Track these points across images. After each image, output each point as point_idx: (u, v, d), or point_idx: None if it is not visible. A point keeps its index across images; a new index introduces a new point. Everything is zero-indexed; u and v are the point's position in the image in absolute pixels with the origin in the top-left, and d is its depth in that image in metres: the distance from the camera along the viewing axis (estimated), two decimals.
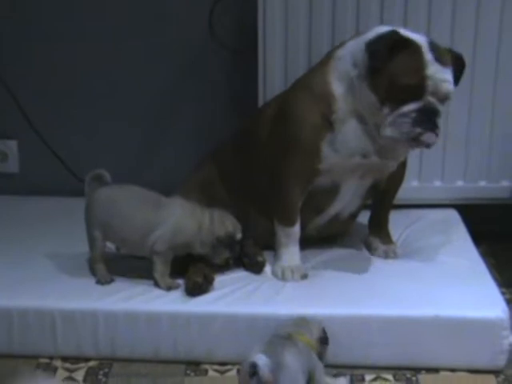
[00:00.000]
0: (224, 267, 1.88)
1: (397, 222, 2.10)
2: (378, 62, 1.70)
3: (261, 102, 2.12)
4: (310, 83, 1.82)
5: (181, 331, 1.74)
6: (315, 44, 2.09)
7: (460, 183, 2.30)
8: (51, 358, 1.76)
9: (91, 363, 1.74)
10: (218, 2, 2.22)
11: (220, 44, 2.27)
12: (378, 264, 1.98)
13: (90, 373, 1.71)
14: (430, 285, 1.81)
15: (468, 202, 2.29)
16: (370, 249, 2.03)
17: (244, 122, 2.09)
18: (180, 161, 2.30)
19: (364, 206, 2.05)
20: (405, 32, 1.75)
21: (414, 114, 1.70)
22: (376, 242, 2.02)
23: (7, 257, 1.99)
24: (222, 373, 1.72)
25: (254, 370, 1.43)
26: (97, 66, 2.35)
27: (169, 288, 1.82)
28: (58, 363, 1.74)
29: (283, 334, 1.58)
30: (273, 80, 2.12)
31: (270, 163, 1.88)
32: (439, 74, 1.71)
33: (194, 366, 1.73)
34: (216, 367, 1.73)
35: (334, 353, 1.69)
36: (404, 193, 2.09)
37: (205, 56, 2.31)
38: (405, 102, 1.70)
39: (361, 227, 2.11)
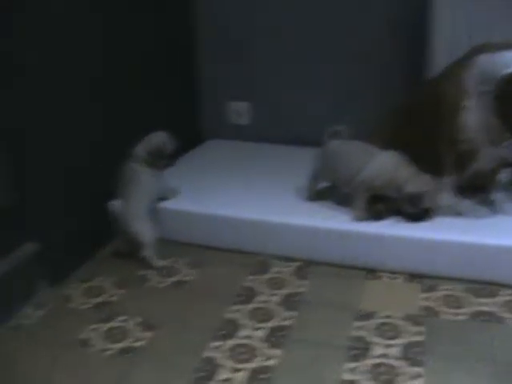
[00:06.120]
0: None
1: None
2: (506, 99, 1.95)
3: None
4: (448, 89, 2.10)
5: (363, 246, 2.09)
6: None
7: None
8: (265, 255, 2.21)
9: (298, 263, 2.18)
10: None
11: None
12: None
13: (300, 268, 2.15)
14: None
15: None
16: None
17: (412, 92, 2.44)
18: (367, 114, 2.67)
19: None
20: None
21: None
22: None
23: (241, 182, 2.52)
24: (392, 279, 2.06)
25: None
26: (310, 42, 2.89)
27: (357, 218, 2.14)
28: (269, 261, 2.19)
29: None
30: (436, 62, 2.45)
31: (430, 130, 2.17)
32: None
33: (372, 272, 2.10)
34: (388, 275, 2.08)
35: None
36: None
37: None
38: None
39: None
